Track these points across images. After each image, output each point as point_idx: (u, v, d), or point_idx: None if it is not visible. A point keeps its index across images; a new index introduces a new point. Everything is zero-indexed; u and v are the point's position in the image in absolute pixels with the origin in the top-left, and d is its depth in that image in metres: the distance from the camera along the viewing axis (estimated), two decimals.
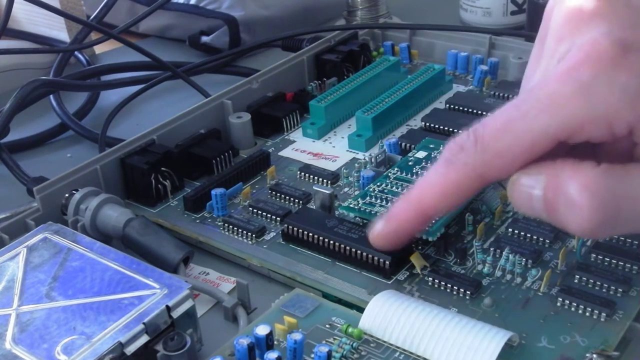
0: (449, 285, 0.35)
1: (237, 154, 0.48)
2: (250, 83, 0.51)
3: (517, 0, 0.66)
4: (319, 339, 0.32)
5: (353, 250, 0.36)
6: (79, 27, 0.67)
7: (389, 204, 0.38)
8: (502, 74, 0.54)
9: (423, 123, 0.48)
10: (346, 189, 0.43)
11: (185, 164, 0.45)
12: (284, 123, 0.50)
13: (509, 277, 0.35)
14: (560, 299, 0.33)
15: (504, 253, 0.36)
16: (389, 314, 0.31)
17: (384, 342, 0.31)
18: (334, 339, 0.32)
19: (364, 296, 0.34)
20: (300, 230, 0.38)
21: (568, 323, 0.32)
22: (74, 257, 0.34)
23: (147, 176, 0.42)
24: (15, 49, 0.66)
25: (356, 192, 0.42)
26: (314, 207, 0.41)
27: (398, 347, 0.31)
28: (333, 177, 0.44)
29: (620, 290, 0.33)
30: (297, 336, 0.30)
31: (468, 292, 0.34)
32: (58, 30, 0.70)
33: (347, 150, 0.47)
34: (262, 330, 0.30)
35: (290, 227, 0.39)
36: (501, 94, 0.51)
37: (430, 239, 0.36)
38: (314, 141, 0.49)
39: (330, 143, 0.48)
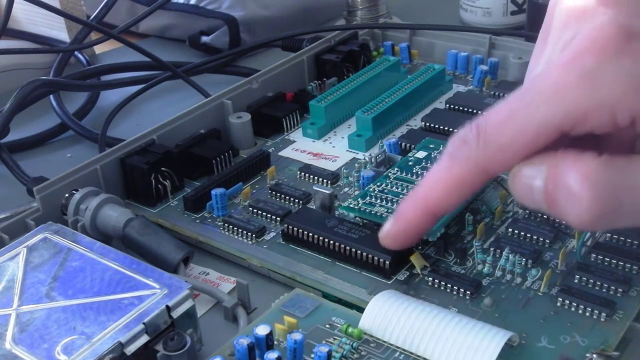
0: (449, 285, 0.35)
1: (237, 154, 0.48)
2: (250, 83, 0.51)
3: (517, 0, 0.66)
4: (319, 339, 0.32)
5: (353, 250, 0.36)
6: (79, 27, 0.67)
7: (389, 204, 0.38)
8: (502, 74, 0.54)
9: (423, 123, 0.48)
10: (346, 189, 0.43)
11: (185, 164, 0.45)
12: (284, 123, 0.50)
13: (509, 277, 0.35)
14: (560, 299, 0.33)
15: (504, 253, 0.36)
16: (389, 314, 0.31)
17: (384, 342, 0.31)
18: (334, 339, 0.32)
19: (364, 296, 0.34)
20: (300, 230, 0.38)
21: (568, 323, 0.32)
22: (74, 257, 0.34)
23: (147, 176, 0.42)
24: (15, 49, 0.66)
25: (356, 192, 0.42)
26: (314, 207, 0.41)
27: (398, 347, 0.31)
28: (333, 177, 0.44)
29: (620, 290, 0.33)
30: (297, 336, 0.30)
31: (468, 292, 0.34)
32: (58, 30, 0.70)
33: (347, 150, 0.47)
34: (262, 330, 0.30)
35: (290, 227, 0.39)
36: (501, 94, 0.51)
37: (430, 239, 0.36)
38: (314, 141, 0.49)
39: (330, 143, 0.48)
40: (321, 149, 0.48)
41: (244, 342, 0.29)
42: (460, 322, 0.30)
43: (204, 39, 0.69)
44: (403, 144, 0.46)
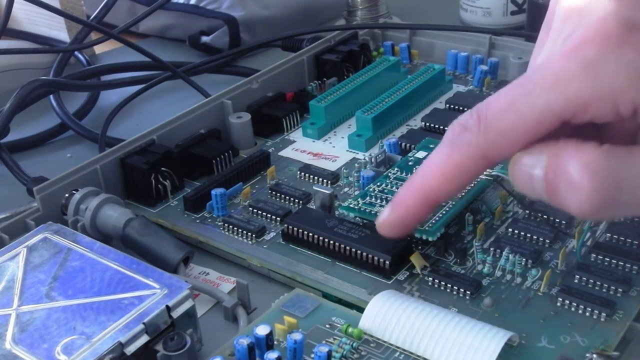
0: (449, 285, 0.35)
1: (237, 154, 0.48)
2: (250, 83, 0.51)
3: (517, 0, 0.66)
4: (319, 339, 0.32)
5: (353, 250, 0.36)
6: (79, 27, 0.67)
7: None
8: (502, 74, 0.54)
9: (423, 123, 0.48)
10: (346, 189, 0.43)
11: (185, 164, 0.45)
12: (284, 123, 0.50)
13: (509, 277, 0.35)
14: (560, 299, 0.33)
15: (504, 253, 0.35)
16: (389, 314, 0.31)
17: (384, 342, 0.31)
18: (334, 339, 0.32)
19: (364, 296, 0.34)
20: (300, 230, 0.38)
21: (568, 323, 0.32)
22: (74, 257, 0.34)
23: (147, 176, 0.42)
24: (15, 49, 0.66)
25: (356, 192, 0.42)
26: (314, 207, 0.41)
27: (398, 347, 0.31)
28: (333, 177, 0.44)
29: (620, 290, 0.33)
30: (297, 336, 0.30)
31: (468, 292, 0.34)
32: (58, 30, 0.70)
33: (347, 150, 0.47)
34: (262, 330, 0.30)
35: (290, 227, 0.39)
36: None
37: (430, 239, 0.36)
38: (314, 141, 0.49)
39: (330, 143, 0.48)
40: (321, 149, 0.48)
41: (244, 342, 0.30)
42: (460, 322, 0.30)
43: (204, 39, 0.69)
44: (403, 144, 0.46)
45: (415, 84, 0.50)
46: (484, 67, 0.53)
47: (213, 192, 0.41)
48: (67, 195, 0.41)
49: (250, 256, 0.38)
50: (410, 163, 0.42)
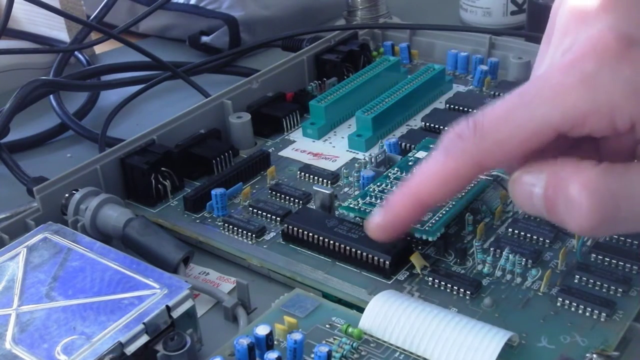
0: (449, 285, 0.35)
1: (237, 154, 0.48)
2: (250, 83, 0.51)
3: (517, 0, 0.66)
4: (319, 339, 0.32)
5: (353, 250, 0.36)
6: (79, 27, 0.67)
7: None
8: (502, 74, 0.54)
9: (423, 123, 0.48)
10: (346, 189, 0.43)
11: (185, 164, 0.45)
12: (284, 123, 0.50)
13: (509, 277, 0.35)
14: (560, 299, 0.33)
15: (504, 253, 0.35)
16: (389, 314, 0.31)
17: (384, 342, 0.31)
18: (334, 339, 0.32)
19: (364, 296, 0.34)
20: (300, 230, 0.38)
21: (568, 323, 0.32)
22: (74, 257, 0.34)
23: (147, 176, 0.42)
24: (15, 49, 0.66)
25: (356, 192, 0.42)
26: (314, 207, 0.41)
27: (398, 347, 0.31)
28: (333, 177, 0.44)
29: (620, 290, 0.33)
30: (297, 336, 0.30)
31: (468, 292, 0.34)
32: (58, 30, 0.70)
33: (347, 150, 0.47)
34: (262, 330, 0.30)
35: (290, 227, 0.39)
36: (501, 94, 0.51)
37: (430, 239, 0.36)
38: (314, 141, 0.49)
39: (330, 143, 0.48)
40: (321, 149, 0.48)
41: (244, 342, 0.30)
42: (460, 322, 0.30)
43: (204, 39, 0.69)
44: (403, 144, 0.46)
45: (415, 84, 0.50)
46: (484, 67, 0.53)
47: (213, 192, 0.41)
48: (67, 195, 0.41)
49: (250, 256, 0.38)
50: (410, 163, 0.42)
